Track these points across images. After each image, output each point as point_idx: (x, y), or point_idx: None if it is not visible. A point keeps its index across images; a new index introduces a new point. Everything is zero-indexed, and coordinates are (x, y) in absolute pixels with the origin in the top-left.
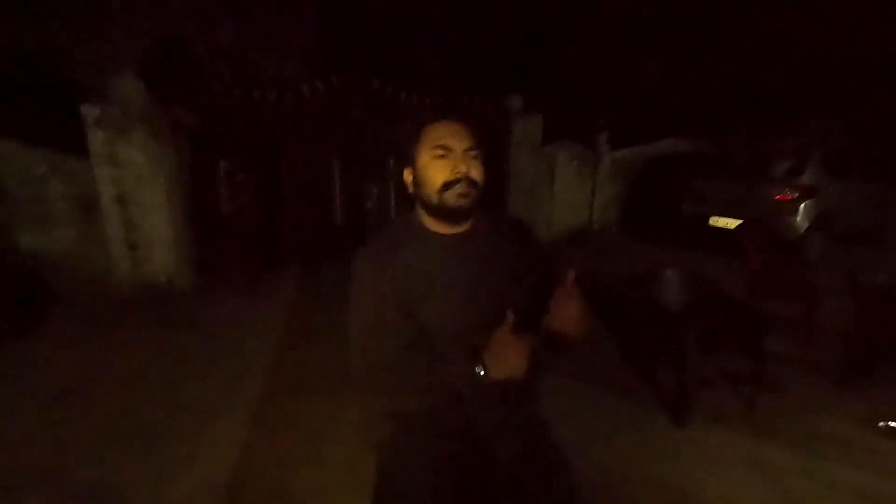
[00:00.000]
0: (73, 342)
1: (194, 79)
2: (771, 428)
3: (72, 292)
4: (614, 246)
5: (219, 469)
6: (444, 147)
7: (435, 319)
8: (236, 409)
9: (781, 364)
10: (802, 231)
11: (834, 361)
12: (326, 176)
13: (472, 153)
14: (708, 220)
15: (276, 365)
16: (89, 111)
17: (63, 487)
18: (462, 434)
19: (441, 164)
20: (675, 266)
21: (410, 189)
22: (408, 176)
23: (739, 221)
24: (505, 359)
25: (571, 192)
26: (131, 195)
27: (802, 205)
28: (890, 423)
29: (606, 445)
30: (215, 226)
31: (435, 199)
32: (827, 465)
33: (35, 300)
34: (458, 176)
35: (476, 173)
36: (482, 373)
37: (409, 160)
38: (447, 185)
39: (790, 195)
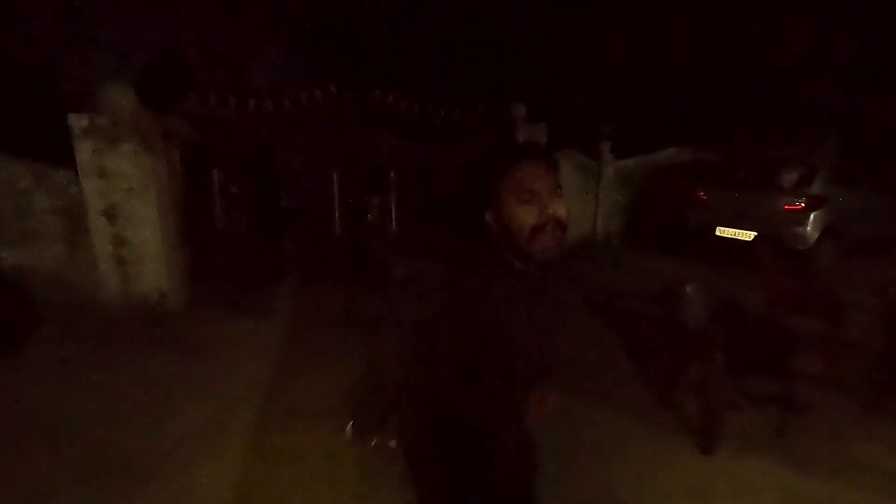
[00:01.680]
0: (57, 364)
1: (188, 89)
2: (804, 455)
3: (58, 310)
4: (618, 257)
5: None
6: (531, 192)
7: (495, 346)
8: (228, 441)
9: (808, 384)
10: (813, 241)
11: (863, 381)
12: (325, 188)
13: (557, 191)
14: (714, 231)
15: (272, 390)
16: (76, 121)
17: None
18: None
19: (528, 210)
20: (693, 281)
21: (493, 229)
22: (490, 217)
23: (748, 232)
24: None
25: (575, 203)
26: (120, 209)
27: (812, 215)
28: None
29: (631, 479)
30: (209, 240)
31: (524, 245)
32: (861, 496)
33: (18, 319)
34: (547, 219)
35: (563, 213)
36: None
37: (489, 202)
38: (535, 230)
39: (800, 205)
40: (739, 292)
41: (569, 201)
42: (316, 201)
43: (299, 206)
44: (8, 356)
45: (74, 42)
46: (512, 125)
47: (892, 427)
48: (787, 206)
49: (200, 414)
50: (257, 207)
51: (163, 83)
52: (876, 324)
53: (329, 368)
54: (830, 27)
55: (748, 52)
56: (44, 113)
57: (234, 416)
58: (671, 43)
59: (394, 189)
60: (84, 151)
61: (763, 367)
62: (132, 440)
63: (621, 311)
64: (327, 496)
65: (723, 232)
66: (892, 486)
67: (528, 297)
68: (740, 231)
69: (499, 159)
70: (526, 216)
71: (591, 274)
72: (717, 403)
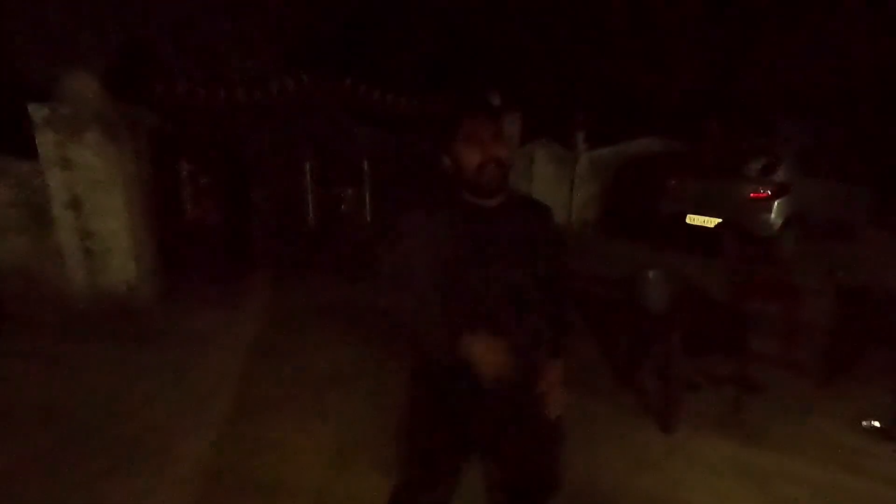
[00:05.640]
0: (23, 358)
1: (157, 77)
2: (757, 431)
3: (23, 304)
4: (593, 245)
5: (184, 500)
6: (476, 137)
7: (460, 275)
8: (203, 431)
9: (764, 364)
10: (777, 228)
11: (815, 360)
12: (298, 178)
13: (499, 138)
14: (685, 219)
15: (245, 381)
16: (37, 111)
17: None
18: (467, 390)
19: (474, 150)
20: (656, 267)
21: (449, 171)
22: (447, 160)
23: (716, 219)
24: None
25: (550, 191)
26: (86, 200)
27: (776, 202)
28: (873, 422)
29: (592, 456)
30: (179, 232)
31: (472, 179)
32: (815, 468)
33: None
34: (489, 157)
35: (503, 154)
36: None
37: (447, 149)
38: (481, 166)
39: (764, 193)
40: (704, 277)
41: (545, 189)
42: (288, 192)
43: (271, 197)
44: None
45: (35, 29)
46: None
47: (842, 403)
48: (752, 194)
49: (173, 405)
50: (229, 198)
51: (129, 71)
52: (827, 306)
53: (303, 359)
54: (797, 21)
55: (718, 46)
56: (2, 103)
57: (207, 408)
58: (644, 35)
59: (368, 179)
60: (46, 142)
61: (721, 348)
62: (103, 433)
63: (590, 296)
64: (299, 479)
65: (693, 219)
66: (842, 458)
67: (488, 230)
68: (709, 218)
69: (454, 115)
70: (473, 156)
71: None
72: (676, 384)
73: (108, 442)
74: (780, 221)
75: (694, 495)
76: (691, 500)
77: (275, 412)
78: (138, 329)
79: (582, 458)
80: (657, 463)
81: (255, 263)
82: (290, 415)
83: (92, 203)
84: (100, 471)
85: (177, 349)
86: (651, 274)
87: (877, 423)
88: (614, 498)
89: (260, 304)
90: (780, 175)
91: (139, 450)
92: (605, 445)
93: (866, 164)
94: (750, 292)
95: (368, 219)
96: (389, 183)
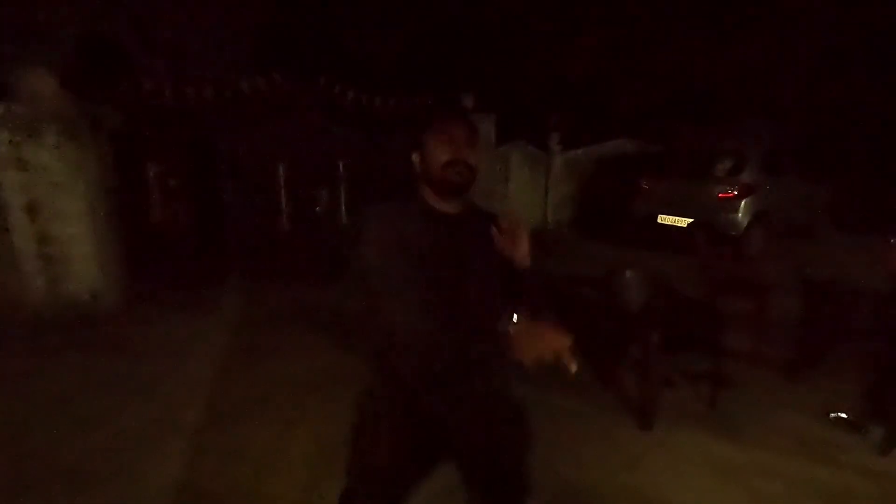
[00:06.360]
0: None
1: (121, 75)
2: (732, 426)
3: None
4: (568, 245)
5: None
6: (448, 136)
7: (433, 279)
8: (172, 441)
9: (736, 360)
10: (744, 227)
11: (785, 355)
12: (271, 180)
13: (471, 142)
14: (656, 219)
15: (216, 390)
16: None
17: None
18: (430, 396)
19: (443, 149)
20: (633, 267)
21: (417, 168)
22: (416, 157)
23: (687, 219)
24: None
25: (526, 193)
26: (44, 204)
27: (743, 202)
28: (840, 414)
29: (572, 456)
30: (146, 236)
31: (438, 174)
32: (788, 462)
33: None
34: (458, 157)
35: (472, 159)
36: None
37: (419, 145)
38: (448, 164)
39: (732, 193)
40: (675, 275)
41: (520, 191)
42: (261, 193)
43: (243, 199)
44: None
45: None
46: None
47: (812, 396)
48: (720, 195)
49: (142, 416)
50: (198, 200)
51: (90, 68)
52: (795, 302)
53: (278, 365)
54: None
55: (689, 49)
56: None
57: (178, 418)
58: (617, 39)
59: (342, 180)
60: (0, 143)
61: (695, 345)
62: (71, 445)
63: (566, 296)
64: (275, 487)
65: (664, 219)
66: (815, 450)
67: (452, 238)
68: (680, 218)
69: (428, 114)
70: (441, 153)
71: (541, 261)
72: (653, 381)
73: (74, 456)
74: (746, 220)
75: (675, 492)
76: (672, 497)
77: (249, 421)
78: (104, 338)
79: (561, 459)
80: (637, 461)
81: (227, 267)
82: (265, 423)
83: (51, 207)
84: (64, 488)
85: (144, 358)
86: (628, 273)
87: (844, 415)
88: (596, 496)
89: (231, 309)
90: (746, 175)
91: (107, 464)
92: (584, 445)
93: (827, 164)
94: (721, 290)
95: (344, 220)
96: (365, 184)
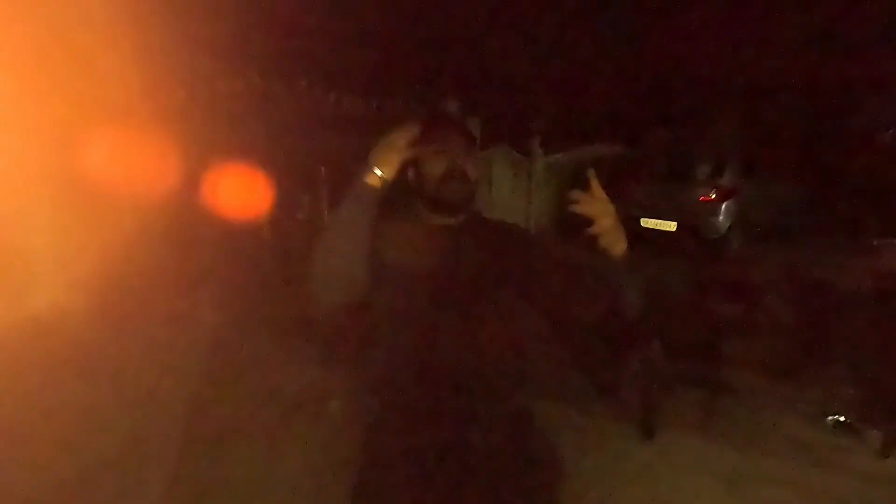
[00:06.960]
0: None
1: None
2: (731, 432)
3: None
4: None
5: None
6: (444, 147)
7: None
8: (153, 467)
9: (732, 364)
10: (725, 230)
11: (780, 358)
12: (249, 184)
13: (469, 151)
14: (639, 222)
15: (195, 409)
16: None
17: None
18: (441, 419)
19: (440, 160)
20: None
21: (411, 181)
22: (410, 172)
23: (669, 223)
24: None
25: (509, 197)
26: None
27: (724, 205)
28: (838, 417)
29: (576, 470)
30: (119, 244)
31: (433, 190)
32: (791, 469)
33: None
34: (454, 169)
35: (470, 170)
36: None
37: (412, 159)
38: (444, 177)
39: (712, 196)
40: (664, 279)
41: (503, 196)
42: (239, 200)
43: (220, 204)
44: None
45: None
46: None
47: (809, 397)
48: (701, 198)
49: (117, 440)
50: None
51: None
52: (784, 305)
53: (262, 381)
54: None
55: (668, 53)
56: None
57: (158, 440)
58: (598, 44)
59: (325, 185)
60: None
61: (689, 350)
62: (45, 473)
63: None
64: None
65: (647, 223)
66: (817, 455)
67: (447, 255)
68: (663, 222)
69: (423, 123)
70: (437, 165)
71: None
72: (654, 390)
73: (48, 485)
74: (727, 223)
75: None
76: None
77: (235, 442)
78: (72, 357)
79: (571, 474)
80: (641, 472)
81: (202, 278)
82: (252, 445)
83: (9, 214)
84: None
85: (119, 375)
86: (623, 280)
87: (841, 418)
88: None
89: (209, 320)
90: (726, 178)
91: (91, 487)
92: (587, 458)
93: (805, 167)
94: (710, 293)
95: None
96: (348, 188)
